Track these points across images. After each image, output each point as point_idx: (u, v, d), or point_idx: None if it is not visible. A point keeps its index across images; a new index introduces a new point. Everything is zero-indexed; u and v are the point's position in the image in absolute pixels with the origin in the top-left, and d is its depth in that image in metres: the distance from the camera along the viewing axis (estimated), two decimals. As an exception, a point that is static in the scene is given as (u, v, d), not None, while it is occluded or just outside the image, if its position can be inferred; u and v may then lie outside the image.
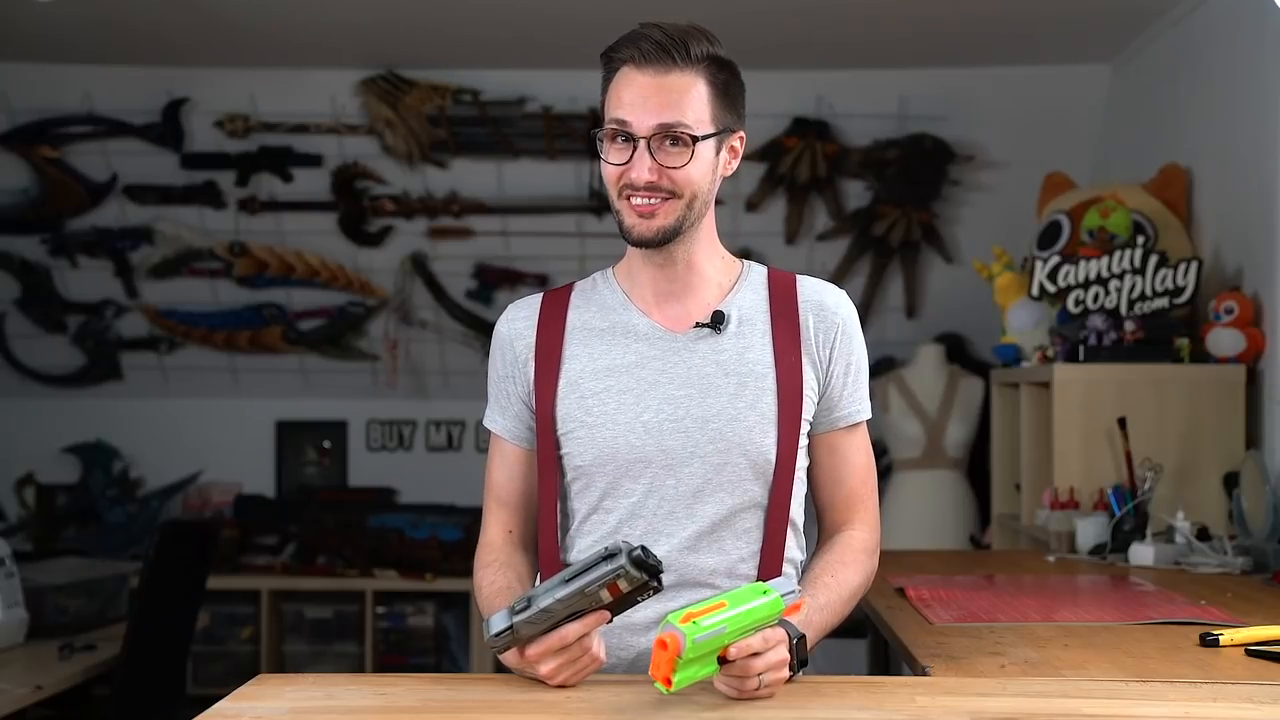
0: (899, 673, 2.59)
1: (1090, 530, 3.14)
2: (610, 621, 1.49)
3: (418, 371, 5.32)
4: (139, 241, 5.04)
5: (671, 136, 1.62)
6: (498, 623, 1.49)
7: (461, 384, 5.28)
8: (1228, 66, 3.55)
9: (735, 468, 1.67)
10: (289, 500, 5.36)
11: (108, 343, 5.24)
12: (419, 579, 4.89)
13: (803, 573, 1.74)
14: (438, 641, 4.96)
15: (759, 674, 1.44)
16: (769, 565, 1.69)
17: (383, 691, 1.52)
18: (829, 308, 1.74)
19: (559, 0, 3.99)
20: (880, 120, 4.79)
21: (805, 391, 1.70)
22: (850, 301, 1.77)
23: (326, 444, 5.46)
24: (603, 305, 1.75)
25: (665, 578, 1.51)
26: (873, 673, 3.27)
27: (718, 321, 1.71)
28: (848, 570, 1.71)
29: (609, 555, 1.44)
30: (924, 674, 1.80)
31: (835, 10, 4.06)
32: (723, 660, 1.42)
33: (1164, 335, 3.41)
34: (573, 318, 1.75)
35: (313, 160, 4.92)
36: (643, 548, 1.44)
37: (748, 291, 1.75)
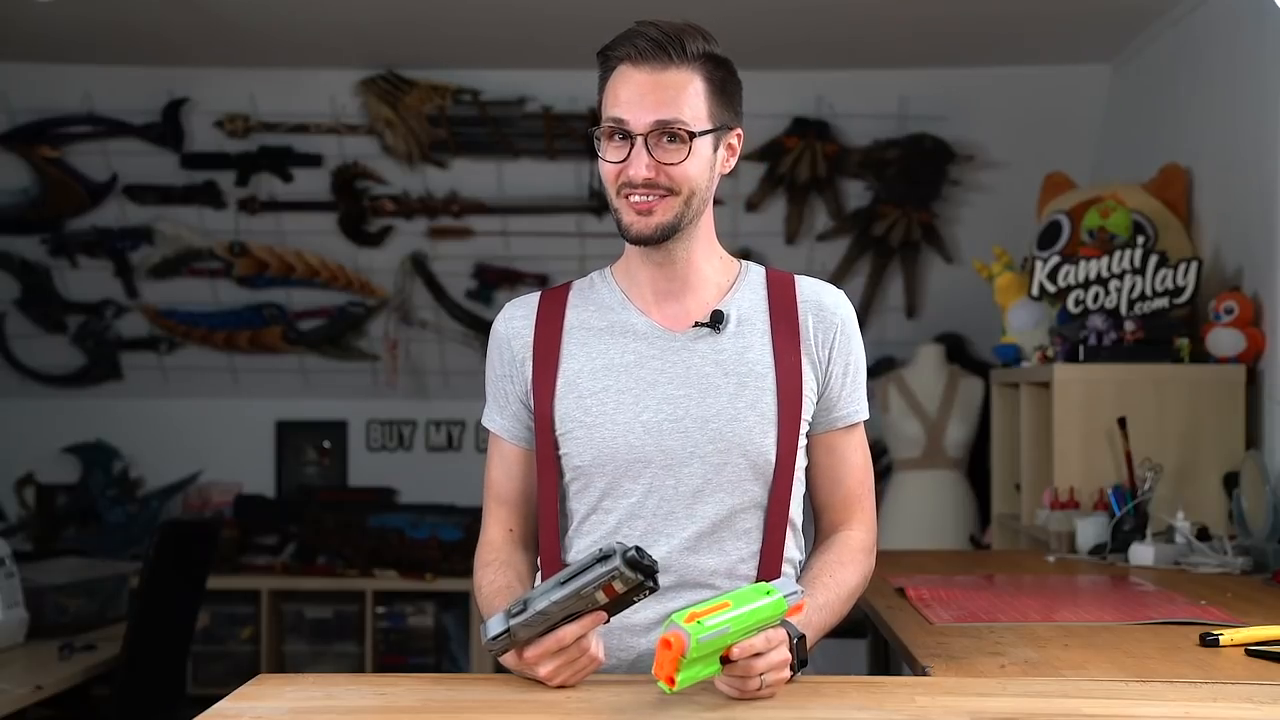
0: (899, 673, 2.59)
1: (1090, 530, 3.14)
2: (607, 622, 1.49)
3: (418, 371, 5.33)
4: (139, 241, 5.04)
5: (669, 133, 1.62)
6: (494, 626, 1.49)
7: (461, 384, 5.28)
8: (1228, 66, 3.55)
9: (735, 468, 1.67)
10: (289, 500, 5.36)
11: (108, 343, 5.24)
12: (419, 579, 4.89)
13: (801, 572, 1.74)
14: (438, 641, 4.96)
15: (761, 674, 1.44)
16: (769, 565, 1.69)
17: (383, 691, 1.52)
18: (828, 308, 1.74)
19: (559, 0, 3.99)
20: (880, 120, 4.79)
21: (804, 392, 1.70)
22: (849, 302, 1.77)
23: (326, 444, 5.46)
24: (601, 304, 1.75)
25: (664, 578, 1.51)
26: (873, 673, 3.27)
27: (717, 321, 1.71)
28: (846, 570, 1.71)
29: (604, 557, 1.44)
30: (924, 674, 1.80)
31: (835, 10, 4.06)
32: (725, 660, 1.42)
33: (1164, 335, 3.41)
34: (571, 317, 1.75)
35: (313, 160, 4.92)
36: (637, 548, 1.44)
37: (746, 291, 1.74)
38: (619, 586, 1.44)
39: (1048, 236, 3.75)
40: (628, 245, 1.72)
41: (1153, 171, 3.83)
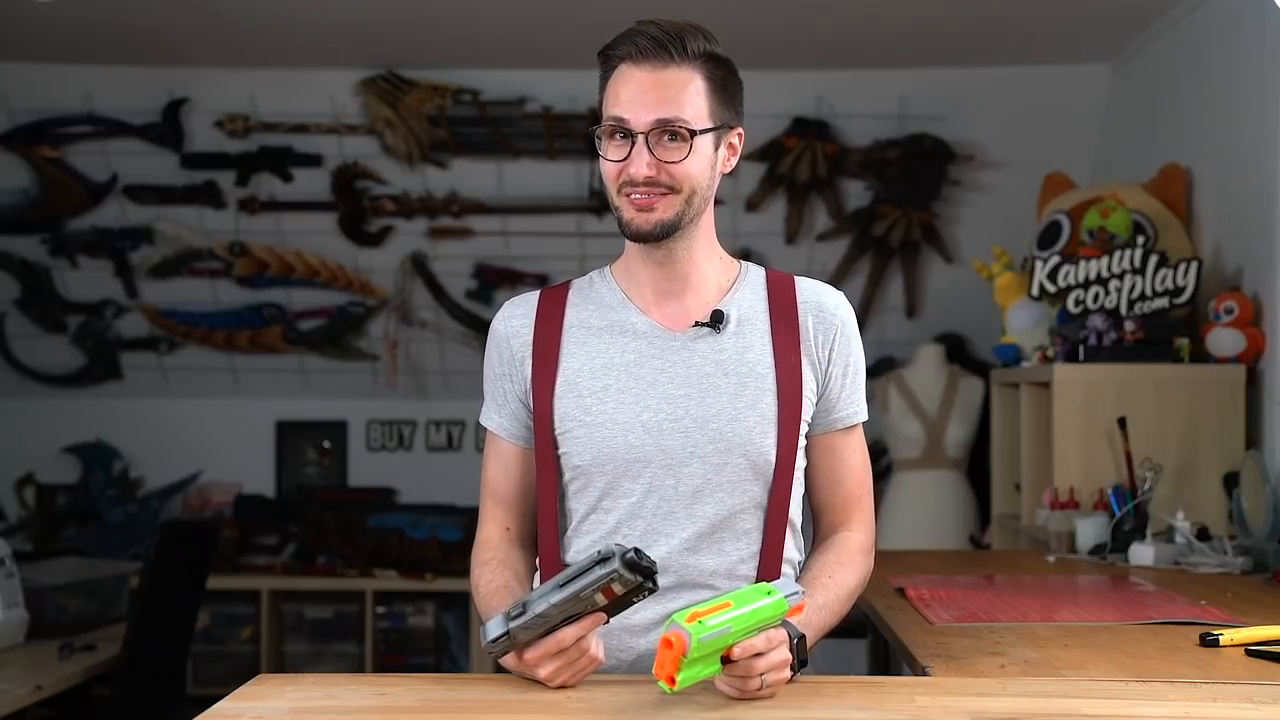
0: (899, 673, 2.59)
1: (1090, 530, 3.14)
2: (607, 623, 1.49)
3: (418, 371, 5.32)
4: (139, 241, 5.04)
5: (670, 131, 1.63)
6: (494, 629, 1.49)
7: (461, 384, 5.28)
8: (1228, 66, 3.55)
9: (735, 468, 1.67)
10: (289, 500, 5.36)
11: (108, 343, 5.24)
12: (419, 579, 4.89)
13: (800, 573, 1.74)
14: (438, 641, 4.96)
15: (761, 674, 1.44)
16: (768, 566, 1.69)
17: (383, 691, 1.52)
18: (828, 309, 1.74)
19: (559, 0, 3.99)
20: (880, 120, 4.79)
21: (804, 392, 1.70)
22: (848, 303, 1.78)
23: (326, 444, 5.46)
24: (600, 303, 1.75)
25: (664, 579, 1.51)
26: (873, 673, 3.27)
27: (717, 321, 1.71)
28: (845, 571, 1.71)
29: (603, 559, 1.44)
30: (924, 674, 1.80)
31: (835, 10, 4.06)
32: (726, 660, 1.42)
33: (1164, 335, 3.41)
34: (570, 315, 1.75)
35: (313, 160, 4.91)
36: (636, 550, 1.44)
37: (746, 291, 1.75)
38: (618, 588, 1.44)
39: (1048, 236, 3.75)
40: (628, 244, 1.72)
41: (1153, 171, 3.83)
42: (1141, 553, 2.94)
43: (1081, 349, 3.40)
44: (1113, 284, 3.49)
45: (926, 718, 1.41)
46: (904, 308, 5.07)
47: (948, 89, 4.70)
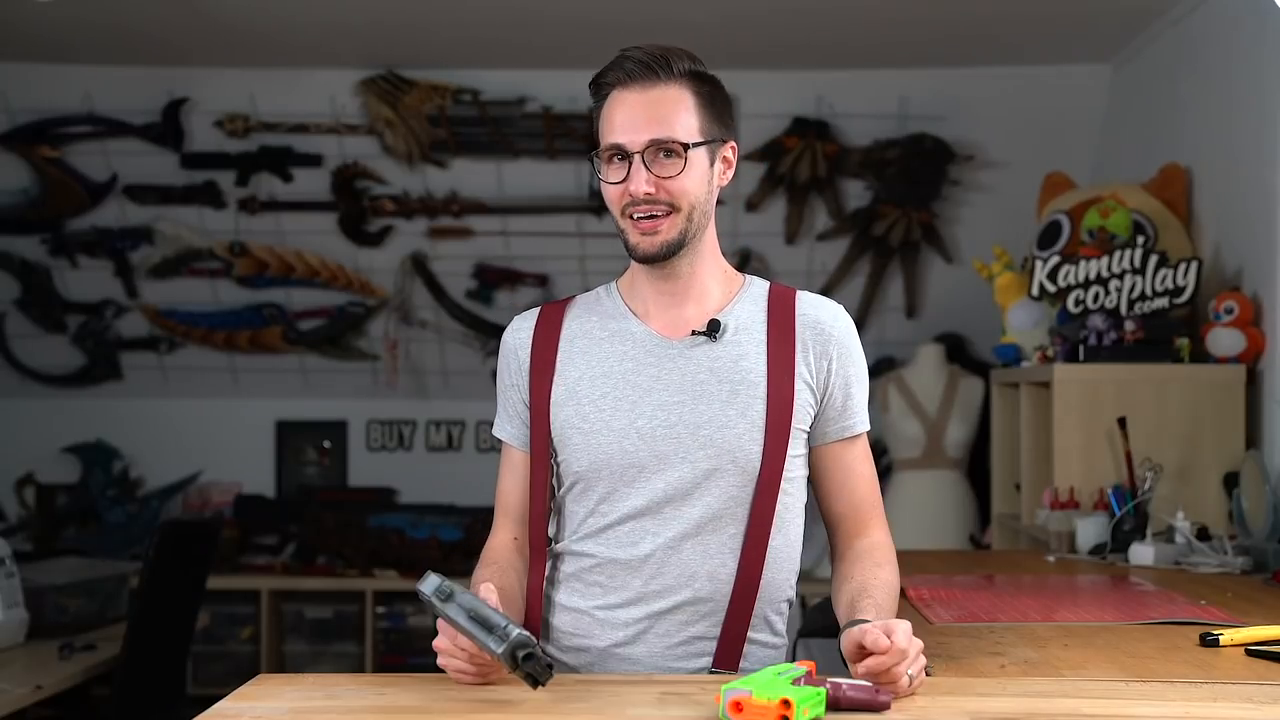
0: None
1: (1090, 530, 3.14)
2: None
3: (418, 371, 5.32)
4: (139, 241, 5.04)
5: (664, 149, 1.68)
6: (430, 586, 1.51)
7: (461, 384, 5.27)
8: (1228, 66, 3.55)
9: (723, 473, 1.71)
10: (289, 500, 5.36)
11: (108, 343, 5.24)
12: (419, 579, 4.88)
13: (838, 585, 1.76)
14: (438, 641, 4.95)
15: (902, 666, 1.46)
16: (749, 570, 1.72)
17: (383, 691, 1.53)
18: (825, 323, 1.77)
19: (559, 0, 3.99)
20: (880, 120, 4.79)
21: (797, 403, 1.73)
22: (848, 316, 1.81)
23: (326, 444, 5.47)
24: (602, 314, 1.80)
25: (654, 582, 1.60)
26: (873, 673, 3.26)
27: (713, 330, 1.75)
28: (884, 571, 1.75)
29: (500, 637, 1.44)
30: (924, 674, 1.80)
31: (835, 10, 4.06)
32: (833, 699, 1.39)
33: (1164, 335, 3.41)
34: (570, 326, 1.80)
35: (313, 160, 4.92)
36: (534, 649, 1.44)
37: (747, 303, 1.79)
38: (506, 667, 1.46)
39: (1048, 236, 3.75)
40: (634, 263, 1.76)
41: (1152, 171, 3.83)
42: (1141, 553, 2.94)
43: (1081, 349, 3.40)
44: (1113, 284, 3.49)
45: (926, 718, 1.41)
46: (904, 308, 5.07)
47: (948, 89, 4.70)
